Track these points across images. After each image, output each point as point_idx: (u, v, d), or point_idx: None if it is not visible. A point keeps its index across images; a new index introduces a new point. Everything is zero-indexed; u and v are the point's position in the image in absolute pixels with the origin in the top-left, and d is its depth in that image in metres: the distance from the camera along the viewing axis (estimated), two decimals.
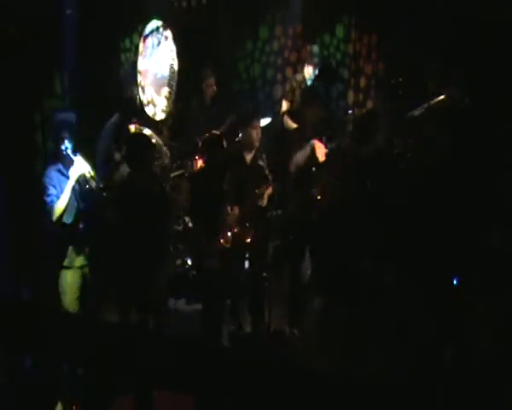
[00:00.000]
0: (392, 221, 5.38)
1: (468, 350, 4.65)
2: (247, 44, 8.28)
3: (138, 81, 6.71)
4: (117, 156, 6.06)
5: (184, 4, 8.09)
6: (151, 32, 6.78)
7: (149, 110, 7.05)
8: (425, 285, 4.94)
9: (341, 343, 5.06)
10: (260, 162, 5.96)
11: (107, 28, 7.14)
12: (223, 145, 5.73)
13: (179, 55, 7.29)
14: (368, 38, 7.64)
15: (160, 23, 6.83)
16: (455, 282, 5.06)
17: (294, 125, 7.19)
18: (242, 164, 5.92)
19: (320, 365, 4.78)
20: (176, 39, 7.08)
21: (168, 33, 6.92)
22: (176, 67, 7.09)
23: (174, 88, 7.10)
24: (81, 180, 5.21)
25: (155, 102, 7.07)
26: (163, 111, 7.19)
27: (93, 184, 5.19)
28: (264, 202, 5.88)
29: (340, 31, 7.79)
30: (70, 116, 5.46)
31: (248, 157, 5.94)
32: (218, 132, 6.04)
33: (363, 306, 5.19)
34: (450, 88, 5.94)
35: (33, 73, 6.22)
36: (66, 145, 5.20)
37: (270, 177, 5.96)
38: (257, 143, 5.93)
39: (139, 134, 6.02)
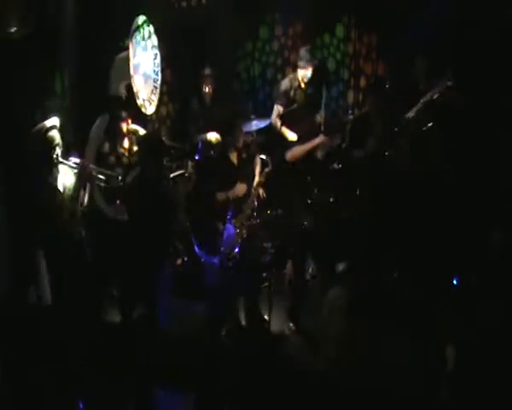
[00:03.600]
0: (391, 222, 5.39)
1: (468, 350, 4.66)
2: (247, 44, 8.29)
3: (129, 77, 6.69)
4: (111, 158, 6.07)
5: (184, 4, 8.10)
6: (137, 27, 6.77)
7: (140, 105, 7.03)
8: (426, 284, 4.96)
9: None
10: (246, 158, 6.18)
11: (107, 28, 7.16)
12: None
13: (168, 50, 7.30)
14: (368, 38, 7.64)
15: (144, 18, 6.82)
16: (455, 282, 5.08)
17: (287, 130, 7.16)
18: (229, 164, 6.10)
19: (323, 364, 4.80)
20: (160, 34, 7.07)
21: (151, 29, 6.91)
22: (158, 62, 7.07)
23: (159, 82, 7.08)
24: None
25: (144, 96, 7.04)
26: (152, 105, 7.14)
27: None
28: (254, 201, 6.04)
29: (340, 31, 7.79)
30: (54, 121, 5.37)
31: (234, 156, 6.12)
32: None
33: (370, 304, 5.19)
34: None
35: (33, 73, 6.23)
36: (57, 152, 5.17)
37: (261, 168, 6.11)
38: (239, 143, 6.10)
39: (153, 135, 6.02)
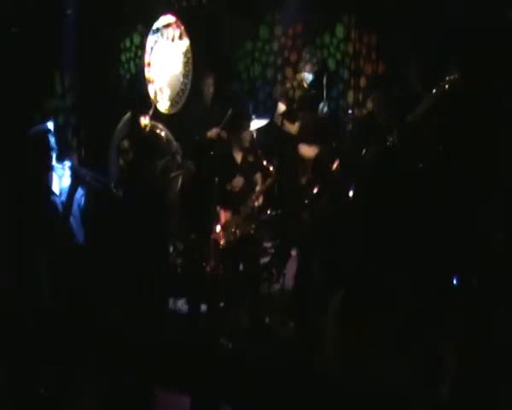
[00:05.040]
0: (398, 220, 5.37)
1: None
2: (247, 44, 8.29)
3: (147, 76, 6.70)
4: (129, 154, 6.08)
5: (184, 3, 8.09)
6: (160, 28, 6.78)
7: (159, 105, 7.06)
8: (426, 284, 4.95)
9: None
10: (250, 159, 6.19)
11: (108, 27, 7.16)
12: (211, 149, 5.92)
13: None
14: (368, 38, 7.63)
15: (172, 20, 6.80)
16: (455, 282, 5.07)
17: (292, 127, 7.19)
18: (233, 164, 6.10)
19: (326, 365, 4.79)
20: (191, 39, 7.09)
21: (182, 30, 6.91)
22: (188, 67, 7.09)
23: (188, 85, 7.10)
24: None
25: (164, 96, 7.07)
26: (172, 106, 7.16)
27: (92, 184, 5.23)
28: (259, 200, 6.07)
29: (340, 31, 7.78)
30: (47, 126, 5.34)
31: (239, 157, 6.13)
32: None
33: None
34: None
35: (33, 73, 6.23)
36: (51, 156, 5.16)
37: (270, 171, 6.12)
38: (247, 144, 6.10)
39: (143, 137, 6.01)
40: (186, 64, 7.07)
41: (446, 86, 5.86)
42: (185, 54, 7.03)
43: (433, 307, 4.86)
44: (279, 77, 8.22)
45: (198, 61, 7.38)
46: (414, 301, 4.95)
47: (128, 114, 6.21)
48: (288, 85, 7.35)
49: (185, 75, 7.05)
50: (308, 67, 7.13)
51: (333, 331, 5.08)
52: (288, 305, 6.01)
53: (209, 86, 7.34)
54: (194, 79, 7.32)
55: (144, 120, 6.01)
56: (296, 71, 7.59)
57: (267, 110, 7.71)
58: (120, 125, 6.23)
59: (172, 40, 6.87)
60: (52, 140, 5.20)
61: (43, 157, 5.13)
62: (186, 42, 6.96)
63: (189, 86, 7.02)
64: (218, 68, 7.47)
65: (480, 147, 5.65)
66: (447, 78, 5.86)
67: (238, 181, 6.08)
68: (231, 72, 8.29)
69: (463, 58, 6.05)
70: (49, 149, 5.14)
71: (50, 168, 5.17)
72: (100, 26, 7.00)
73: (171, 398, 4.86)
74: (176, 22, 6.85)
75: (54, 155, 5.19)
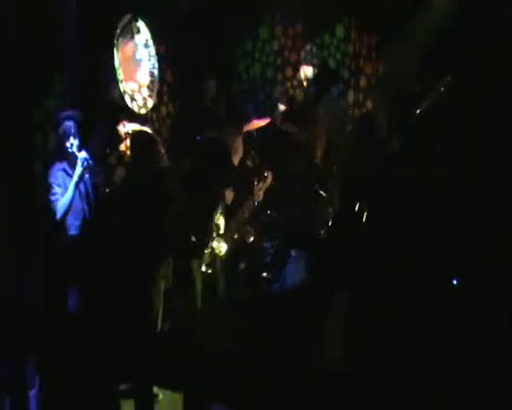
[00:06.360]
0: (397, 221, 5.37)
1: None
2: (246, 44, 8.30)
3: (119, 77, 6.68)
4: (112, 158, 6.05)
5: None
6: (124, 26, 6.77)
7: (133, 105, 7.02)
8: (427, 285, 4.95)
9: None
10: (248, 163, 6.19)
11: (107, 27, 7.15)
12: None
13: (168, 50, 7.31)
14: (368, 38, 7.64)
15: (129, 16, 6.81)
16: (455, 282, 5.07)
17: (293, 127, 7.20)
18: (230, 167, 6.13)
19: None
20: (160, 33, 7.04)
21: (140, 24, 6.90)
22: (152, 56, 7.06)
23: (156, 77, 7.08)
24: (85, 178, 5.22)
25: (137, 95, 7.03)
26: (146, 104, 7.13)
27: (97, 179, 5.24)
28: (260, 196, 6.07)
29: (340, 31, 7.79)
30: (75, 113, 5.39)
31: (236, 160, 6.12)
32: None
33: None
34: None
35: (33, 73, 6.21)
36: (72, 142, 5.19)
37: (265, 173, 6.12)
38: (241, 149, 6.12)
39: (143, 132, 6.00)
40: (149, 56, 7.05)
41: (446, 86, 5.87)
42: (146, 46, 7.00)
43: (434, 307, 4.86)
44: (277, 77, 8.23)
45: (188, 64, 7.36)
46: (417, 302, 4.95)
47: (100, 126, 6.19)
48: (288, 84, 7.36)
49: (151, 68, 7.03)
50: (307, 64, 7.13)
51: (338, 332, 5.08)
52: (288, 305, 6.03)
53: (208, 88, 7.35)
54: (172, 79, 7.27)
55: (120, 126, 6.01)
56: (294, 70, 7.60)
57: (266, 111, 7.72)
58: (96, 132, 6.19)
59: (132, 36, 6.85)
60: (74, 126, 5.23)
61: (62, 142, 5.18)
62: (146, 34, 6.94)
63: (157, 78, 6.99)
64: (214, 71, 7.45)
65: (480, 146, 5.65)
66: (447, 77, 5.87)
67: (229, 195, 6.08)
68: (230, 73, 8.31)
69: (463, 57, 6.05)
70: (68, 133, 5.19)
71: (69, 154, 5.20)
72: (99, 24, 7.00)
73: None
74: (132, 17, 6.84)
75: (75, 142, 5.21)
